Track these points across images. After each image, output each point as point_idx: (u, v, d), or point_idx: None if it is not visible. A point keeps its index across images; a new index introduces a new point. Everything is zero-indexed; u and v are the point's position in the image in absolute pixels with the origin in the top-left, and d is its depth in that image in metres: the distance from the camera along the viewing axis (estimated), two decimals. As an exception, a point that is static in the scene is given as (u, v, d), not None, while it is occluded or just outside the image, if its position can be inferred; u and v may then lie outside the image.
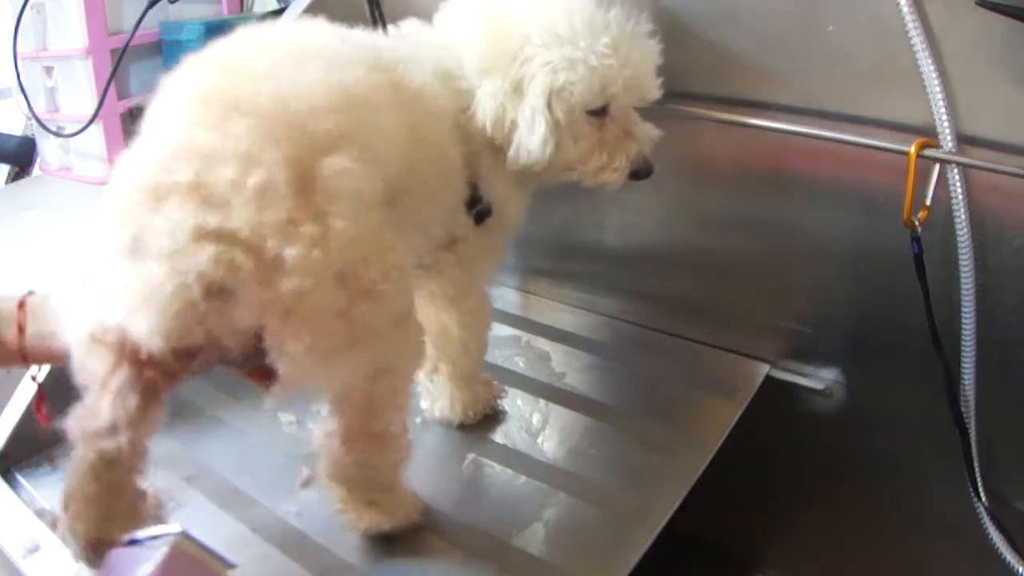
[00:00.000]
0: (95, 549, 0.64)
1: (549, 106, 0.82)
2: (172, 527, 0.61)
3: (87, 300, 0.63)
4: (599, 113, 0.85)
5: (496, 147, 0.85)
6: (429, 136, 0.78)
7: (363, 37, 0.81)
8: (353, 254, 0.63)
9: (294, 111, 0.63)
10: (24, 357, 0.69)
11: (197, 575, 0.60)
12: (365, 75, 0.71)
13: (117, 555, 0.60)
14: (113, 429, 0.62)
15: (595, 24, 0.82)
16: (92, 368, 0.63)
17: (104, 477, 0.63)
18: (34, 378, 0.73)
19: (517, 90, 0.82)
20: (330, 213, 0.61)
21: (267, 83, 0.64)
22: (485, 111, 0.82)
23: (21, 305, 0.69)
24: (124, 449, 0.62)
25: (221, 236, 0.58)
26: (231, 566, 0.62)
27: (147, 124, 0.66)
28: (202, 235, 0.57)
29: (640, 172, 0.89)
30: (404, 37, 0.86)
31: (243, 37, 0.71)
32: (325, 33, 0.76)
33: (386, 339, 0.68)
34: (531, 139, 0.82)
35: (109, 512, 0.64)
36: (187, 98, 0.64)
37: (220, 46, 0.69)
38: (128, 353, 0.62)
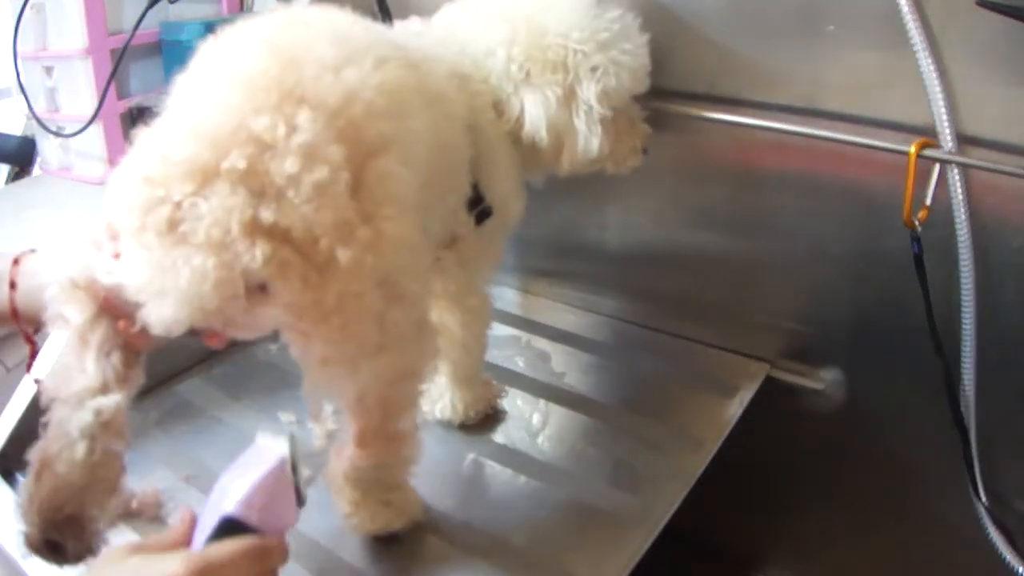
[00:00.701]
0: (66, 529, 0.61)
1: (601, 107, 0.85)
2: (279, 444, 0.60)
3: (75, 247, 0.60)
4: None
5: (501, 148, 0.86)
6: (447, 140, 0.77)
7: (391, 33, 0.81)
8: (398, 260, 0.61)
9: (355, 110, 0.60)
10: (15, 314, 0.66)
11: (286, 497, 0.59)
12: (405, 77, 0.69)
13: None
14: (104, 388, 0.60)
15: (627, 28, 0.87)
16: (70, 316, 0.60)
17: (99, 441, 0.60)
18: (27, 336, 0.69)
19: (569, 97, 0.85)
20: (379, 216, 0.59)
21: (334, 76, 0.60)
22: (536, 119, 0.84)
23: (16, 261, 0.67)
24: (120, 409, 0.60)
25: (274, 232, 0.55)
26: (301, 504, 0.60)
27: (181, 95, 0.62)
28: (255, 229, 0.54)
29: (646, 150, 0.96)
30: (419, 35, 0.86)
31: (289, 18, 0.66)
32: (362, 26, 0.72)
33: (410, 343, 0.67)
34: (592, 140, 0.86)
35: (92, 482, 0.61)
36: (237, 76, 0.59)
37: (263, 24, 0.65)
38: (106, 305, 0.59)
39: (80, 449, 0.60)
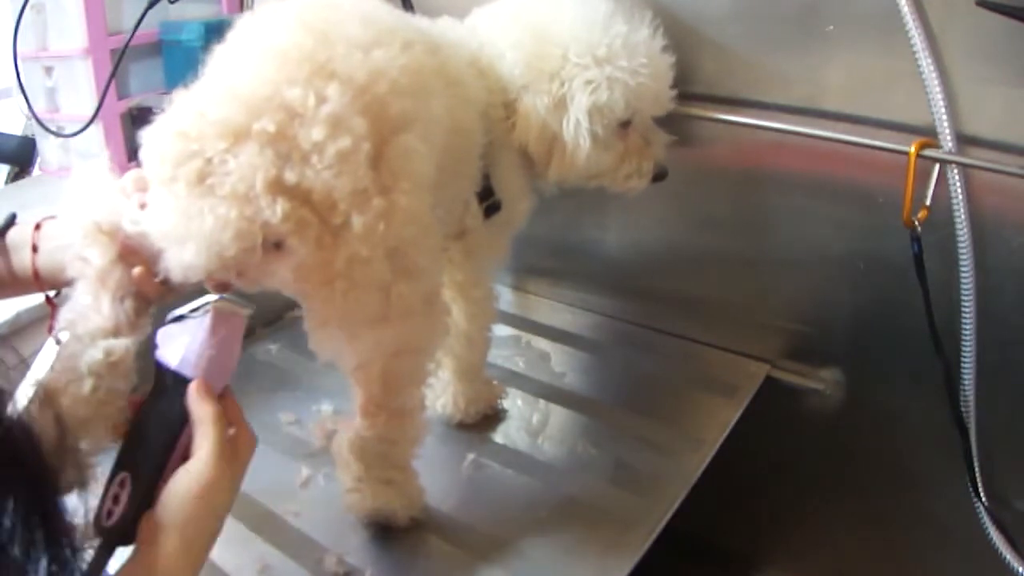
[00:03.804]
0: (63, 460, 0.61)
1: (590, 121, 0.85)
2: (209, 297, 0.61)
3: (103, 194, 0.63)
4: (624, 124, 0.89)
5: (510, 145, 0.87)
6: (462, 122, 0.80)
7: (413, 18, 0.83)
8: (409, 232, 0.64)
9: (381, 87, 0.63)
10: (37, 277, 0.68)
11: (235, 327, 0.62)
12: (427, 60, 0.73)
13: (164, 332, 0.61)
14: (116, 330, 0.63)
15: (631, 45, 0.85)
16: (92, 258, 0.63)
17: (105, 379, 0.62)
18: (48, 297, 0.71)
19: (559, 107, 0.85)
20: (395, 189, 0.62)
21: (363, 54, 0.64)
22: (528, 126, 0.85)
23: (37, 227, 0.69)
24: (129, 352, 0.63)
25: (295, 192, 0.58)
26: (247, 308, 0.63)
27: (218, 64, 0.65)
28: (278, 188, 0.57)
29: (659, 176, 0.93)
30: (444, 29, 0.88)
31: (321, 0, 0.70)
32: (388, 11, 0.75)
33: (415, 318, 0.69)
34: (577, 153, 0.86)
35: (94, 418, 0.63)
36: (272, 49, 0.63)
37: (296, 3, 0.68)
38: (124, 252, 0.62)
39: (87, 385, 0.62)
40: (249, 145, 0.58)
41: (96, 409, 0.63)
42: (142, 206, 0.61)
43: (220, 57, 0.66)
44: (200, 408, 0.58)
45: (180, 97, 0.62)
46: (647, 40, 0.87)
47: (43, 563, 0.42)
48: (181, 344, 0.60)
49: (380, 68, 0.64)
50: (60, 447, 0.62)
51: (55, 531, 0.45)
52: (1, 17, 1.23)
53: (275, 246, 0.59)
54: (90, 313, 0.63)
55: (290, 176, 0.58)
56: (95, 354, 0.62)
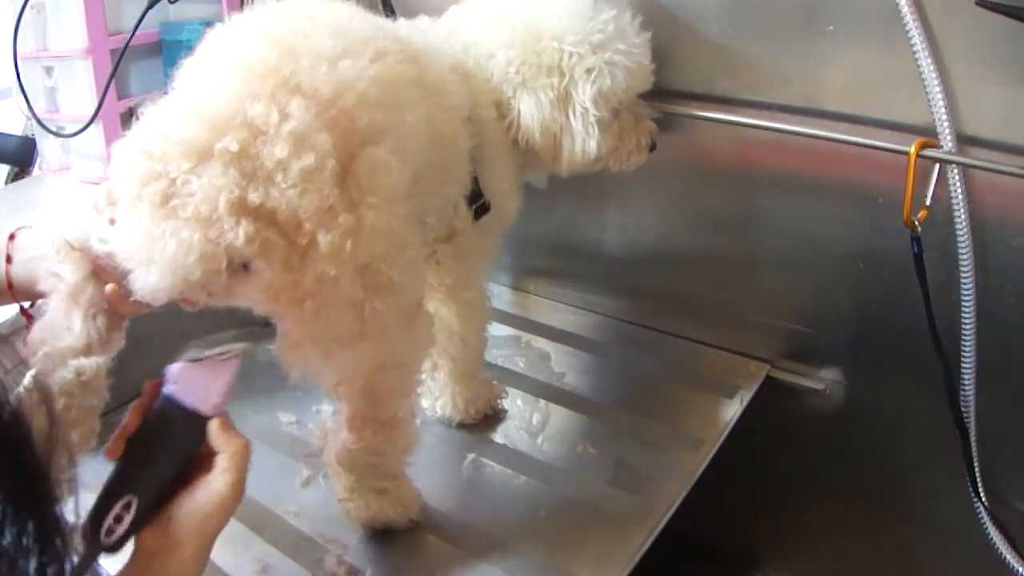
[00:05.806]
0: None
1: (596, 108, 0.86)
2: (234, 342, 0.63)
3: (76, 208, 0.63)
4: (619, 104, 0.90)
5: (501, 146, 0.87)
6: (443, 131, 0.79)
7: (393, 26, 0.82)
8: (380, 248, 0.63)
9: (348, 100, 0.62)
10: (11, 288, 0.68)
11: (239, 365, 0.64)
12: (401, 70, 0.71)
13: (179, 372, 0.62)
14: (87, 349, 0.63)
15: (621, 28, 0.87)
16: (64, 274, 0.63)
17: (77, 399, 0.62)
18: (23, 308, 0.70)
19: (563, 99, 0.86)
20: (364, 205, 0.61)
21: (329, 67, 0.62)
22: (532, 122, 0.86)
23: (11, 237, 0.68)
24: (100, 370, 0.63)
25: (260, 213, 0.57)
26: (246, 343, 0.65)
27: (185, 78, 0.64)
28: (242, 209, 0.57)
29: (652, 146, 0.96)
30: (424, 32, 0.88)
31: (293, 10, 0.68)
32: (365, 19, 0.74)
33: (394, 335, 0.68)
34: (589, 142, 0.87)
35: (67, 437, 0.62)
36: (238, 63, 0.62)
37: (267, 13, 0.67)
38: (97, 269, 0.62)
39: (59, 404, 0.62)
40: (212, 165, 0.57)
41: (68, 427, 0.62)
42: (111, 222, 0.60)
43: (188, 71, 0.65)
44: (232, 442, 0.61)
45: (148, 113, 0.62)
46: (631, 21, 0.89)
47: (33, 557, 0.42)
48: (201, 386, 0.62)
49: (347, 80, 0.63)
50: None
51: (46, 524, 0.45)
52: (1, 17, 1.23)
53: (242, 268, 0.59)
54: (62, 331, 0.63)
55: (254, 196, 0.57)
56: (66, 375, 0.62)
